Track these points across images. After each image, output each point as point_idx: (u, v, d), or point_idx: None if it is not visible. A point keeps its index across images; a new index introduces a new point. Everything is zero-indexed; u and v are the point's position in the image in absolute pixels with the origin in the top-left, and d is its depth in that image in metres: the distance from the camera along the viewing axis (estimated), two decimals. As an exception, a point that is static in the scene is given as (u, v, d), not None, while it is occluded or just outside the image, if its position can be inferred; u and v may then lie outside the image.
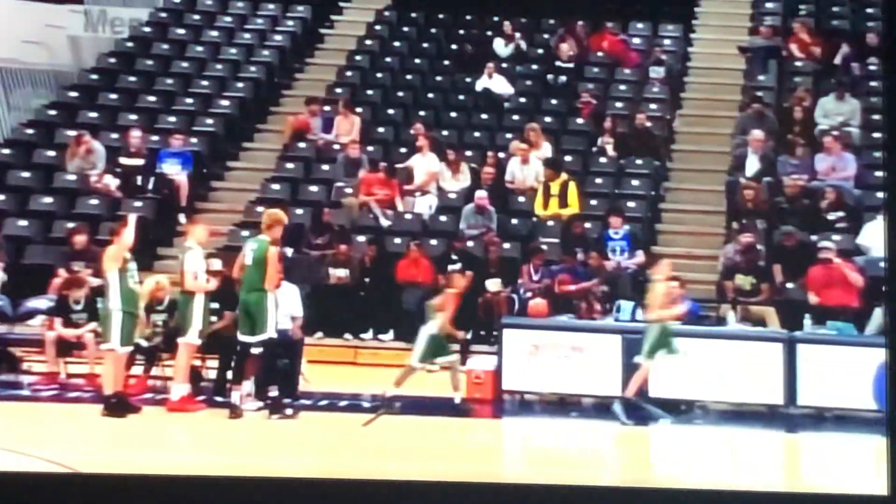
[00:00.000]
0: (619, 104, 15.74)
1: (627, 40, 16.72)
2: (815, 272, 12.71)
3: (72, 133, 14.80)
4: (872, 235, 13.14)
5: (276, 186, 14.76)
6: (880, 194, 13.18)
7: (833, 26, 16.54)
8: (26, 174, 14.60)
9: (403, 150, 15.02)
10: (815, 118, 14.95)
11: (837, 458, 10.72)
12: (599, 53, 16.56)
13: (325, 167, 15.04)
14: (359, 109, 15.53)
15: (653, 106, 15.64)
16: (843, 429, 11.21)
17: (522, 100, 15.83)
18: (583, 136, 15.32)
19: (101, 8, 16.66)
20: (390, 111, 15.89)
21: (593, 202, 14.33)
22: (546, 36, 16.65)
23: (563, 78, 15.99)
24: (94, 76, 16.12)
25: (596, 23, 16.56)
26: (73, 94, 15.86)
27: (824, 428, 11.33)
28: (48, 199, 14.20)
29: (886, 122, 9.28)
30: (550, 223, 14.04)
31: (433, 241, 13.84)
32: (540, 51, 16.54)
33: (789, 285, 12.91)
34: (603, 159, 15.03)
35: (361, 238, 13.80)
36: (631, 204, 14.33)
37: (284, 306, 10.97)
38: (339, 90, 16.12)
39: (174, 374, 10.83)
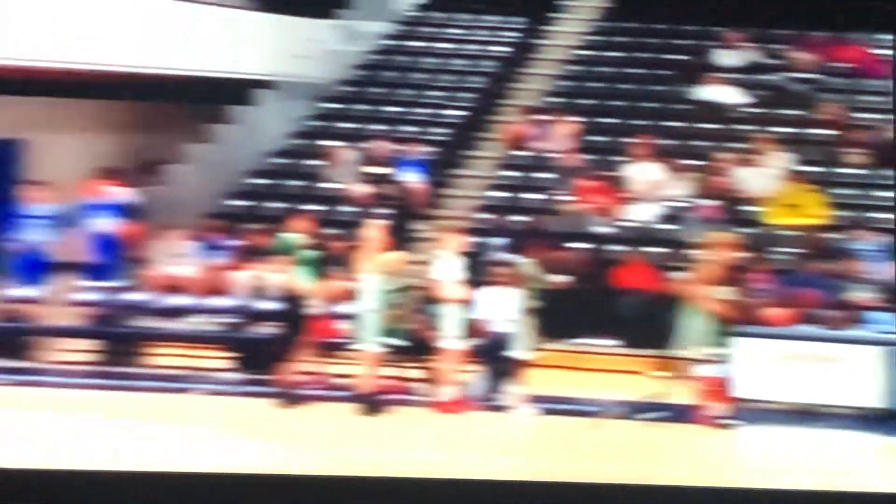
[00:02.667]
0: (865, 115, 14.96)
1: (873, 50, 15.97)
2: None
3: (332, 143, 15.48)
4: None
5: (496, 194, 14.88)
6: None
7: None
8: (297, 183, 15.27)
9: (620, 157, 14.75)
10: None
11: None
12: (843, 64, 15.88)
13: (542, 175, 15.00)
14: (574, 118, 15.43)
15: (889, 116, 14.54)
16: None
17: (754, 109, 15.29)
18: (822, 147, 14.69)
19: (354, 21, 17.38)
20: (606, 119, 15.70)
21: (840, 213, 13.74)
22: (777, 46, 16.06)
23: (800, 87, 15.42)
24: (346, 87, 16.75)
25: (834, 33, 15.93)
26: (330, 105, 16.51)
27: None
28: (314, 207, 14.55)
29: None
30: (789, 233, 13.56)
31: (654, 249, 13.67)
32: (773, 60, 15.93)
33: None
34: (848, 170, 14.38)
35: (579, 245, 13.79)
36: (879, 216, 13.60)
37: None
38: (553, 99, 16.09)
39: (438, 377, 11.23)
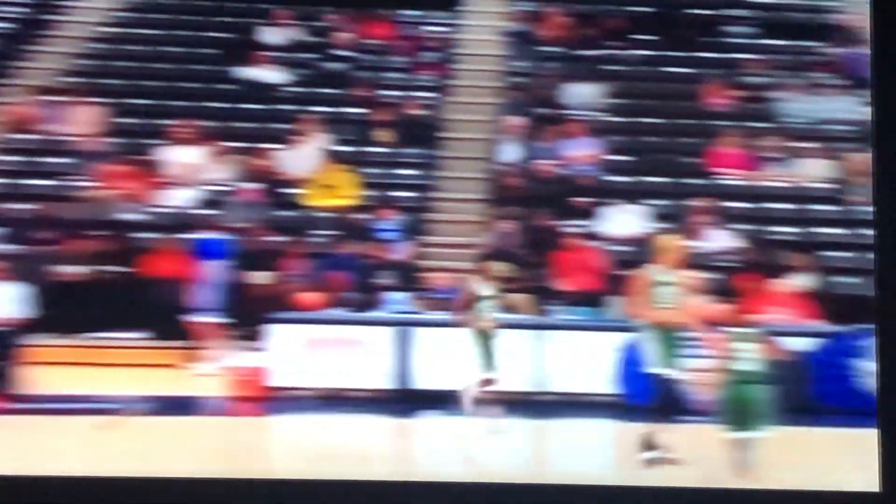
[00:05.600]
0: (391, 92, 16.11)
1: (399, 27, 17.15)
2: (562, 257, 13.60)
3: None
4: (615, 220, 14.15)
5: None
6: (622, 178, 14.64)
7: (584, 10, 17.01)
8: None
9: (154, 141, 14.90)
10: (564, 102, 15.71)
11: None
12: (373, 41, 16.87)
13: (54, 160, 14.81)
14: (98, 99, 15.24)
15: (424, 94, 16.15)
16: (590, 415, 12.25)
17: (296, 89, 16.03)
18: (359, 126, 15.70)
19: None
20: (138, 101, 15.57)
21: (368, 192, 14.84)
22: (322, 24, 16.80)
23: (338, 66, 16.39)
24: None
25: (367, 9, 16.90)
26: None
27: (571, 414, 12.33)
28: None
29: (875, 117, 10.46)
30: (325, 214, 14.53)
31: (192, 235, 13.90)
32: (315, 39, 16.70)
33: (541, 272, 13.77)
34: (377, 149, 15.53)
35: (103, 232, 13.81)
36: (405, 194, 14.97)
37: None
38: (72, 79, 15.77)
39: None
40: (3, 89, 15.73)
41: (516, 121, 15.49)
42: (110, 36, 16.47)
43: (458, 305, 11.93)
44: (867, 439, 10.29)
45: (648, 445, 10.19)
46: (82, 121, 15.13)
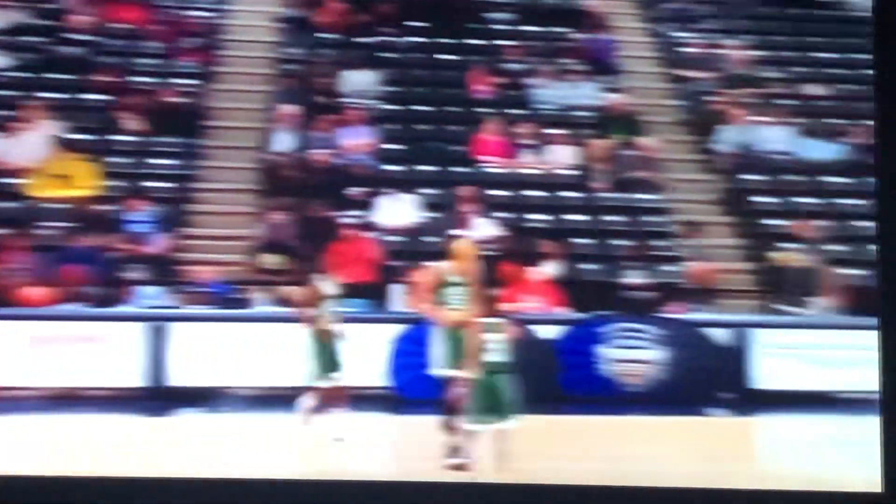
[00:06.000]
0: (144, 79, 14.23)
1: (154, 10, 15.27)
2: (337, 248, 12.10)
3: None
4: (388, 210, 13.03)
5: None
6: (395, 167, 13.57)
7: None
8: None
9: None
10: (339, 91, 14.37)
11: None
12: (121, 25, 14.91)
13: None
14: None
15: (183, 80, 14.32)
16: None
17: (21, 74, 13.99)
18: (99, 113, 13.76)
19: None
20: None
21: (114, 183, 12.89)
22: (53, 7, 14.83)
23: (75, 50, 14.39)
24: None
25: None
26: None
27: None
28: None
29: (876, 112, 9.52)
30: (57, 206, 12.57)
31: None
32: (46, 21, 14.72)
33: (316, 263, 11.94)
34: (125, 137, 13.57)
35: None
36: (159, 184, 13.09)
37: None
38: None
39: None
40: None
41: (289, 109, 13.94)
42: None
43: (300, 303, 10.24)
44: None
45: (454, 451, 9.30)
46: None
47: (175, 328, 11.03)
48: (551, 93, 14.46)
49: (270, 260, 12.20)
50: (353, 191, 13.22)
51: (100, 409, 10.41)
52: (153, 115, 13.79)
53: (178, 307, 11.64)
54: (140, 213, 12.56)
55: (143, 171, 13.36)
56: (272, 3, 15.57)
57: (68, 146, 13.17)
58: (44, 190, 12.76)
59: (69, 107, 13.82)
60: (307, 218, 12.79)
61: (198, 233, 12.71)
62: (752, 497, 8.78)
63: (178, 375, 10.76)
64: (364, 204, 13.12)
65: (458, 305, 9.42)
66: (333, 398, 9.66)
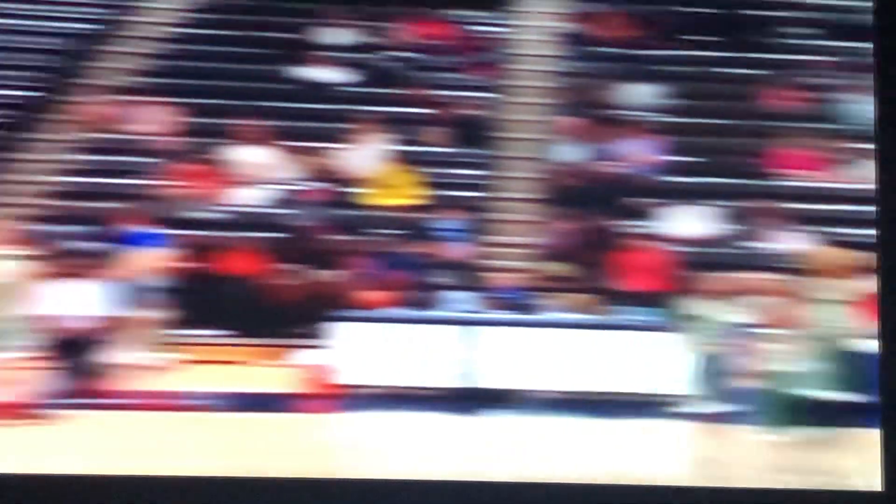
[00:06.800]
0: (446, 92, 16.19)
1: (454, 26, 17.12)
2: (623, 258, 13.76)
3: None
4: (678, 220, 14.31)
5: (72, 179, 14.72)
6: (681, 179, 14.78)
7: (640, 11, 16.98)
8: None
9: (223, 140, 15.08)
10: (619, 103, 15.82)
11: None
12: (430, 42, 16.92)
13: (130, 159, 14.97)
14: (170, 99, 15.41)
15: (478, 94, 16.22)
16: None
17: (356, 89, 16.12)
18: (418, 126, 15.78)
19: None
20: (207, 100, 15.66)
21: (430, 192, 14.99)
22: (380, 24, 16.82)
23: (398, 66, 16.49)
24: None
25: (420, 10, 16.96)
26: None
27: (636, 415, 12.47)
28: None
29: (877, 116, 10.73)
30: (387, 214, 14.74)
31: (264, 234, 14.25)
32: (373, 39, 16.75)
33: (601, 272, 13.97)
34: (436, 149, 15.66)
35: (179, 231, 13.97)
36: (464, 194, 15.11)
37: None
38: (145, 79, 15.95)
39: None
40: (80, 89, 15.85)
41: (571, 121, 15.60)
42: (180, 36, 16.45)
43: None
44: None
45: None
46: (155, 120, 15.24)
47: (483, 332, 12.85)
48: (857, 108, 14.73)
49: (555, 268, 13.80)
50: (637, 201, 14.53)
51: (423, 409, 12.25)
52: (455, 127, 15.71)
53: (484, 312, 13.47)
54: (451, 222, 14.61)
55: (451, 181, 15.20)
56: (554, 19, 17.12)
57: (395, 157, 15.14)
58: (376, 199, 14.94)
59: (394, 120, 15.66)
60: (591, 227, 14.27)
61: (493, 240, 14.62)
62: (751, 496, 9.52)
63: (487, 377, 12.53)
64: (648, 214, 14.37)
65: (832, 321, 9.79)
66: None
